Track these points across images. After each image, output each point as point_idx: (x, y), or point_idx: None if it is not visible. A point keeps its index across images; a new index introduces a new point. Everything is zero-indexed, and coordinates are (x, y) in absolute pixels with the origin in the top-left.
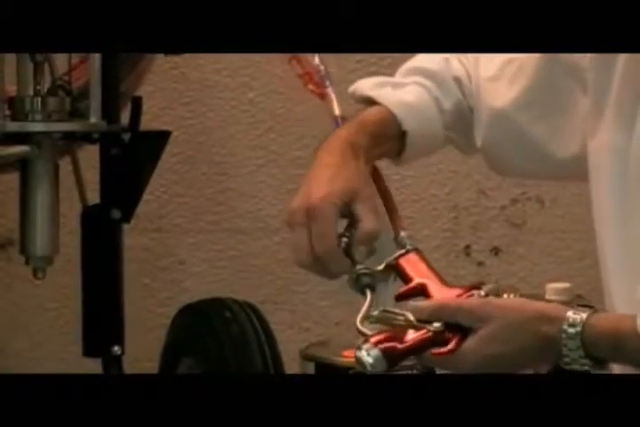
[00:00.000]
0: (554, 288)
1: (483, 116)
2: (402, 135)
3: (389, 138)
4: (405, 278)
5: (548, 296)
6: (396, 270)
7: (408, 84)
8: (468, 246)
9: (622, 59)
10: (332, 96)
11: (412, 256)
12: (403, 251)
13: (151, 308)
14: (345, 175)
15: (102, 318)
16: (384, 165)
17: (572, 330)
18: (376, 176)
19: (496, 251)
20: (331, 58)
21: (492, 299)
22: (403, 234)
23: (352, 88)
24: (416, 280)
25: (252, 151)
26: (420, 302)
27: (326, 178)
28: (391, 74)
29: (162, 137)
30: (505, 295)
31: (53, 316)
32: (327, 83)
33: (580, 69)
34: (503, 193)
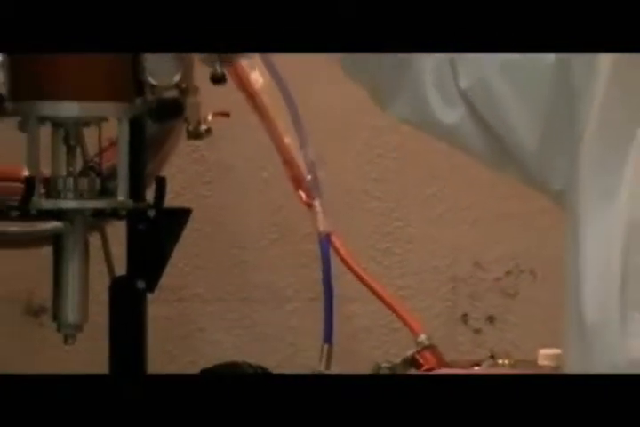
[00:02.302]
0: (545, 354)
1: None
2: None
3: None
4: (419, 367)
5: (540, 362)
6: (413, 362)
7: None
8: (465, 315)
9: None
10: (319, 209)
11: (428, 352)
12: (419, 348)
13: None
14: None
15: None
16: (388, 239)
17: None
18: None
19: (491, 319)
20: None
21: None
22: (422, 336)
23: None
24: (425, 367)
25: (265, 227)
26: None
27: None
28: None
29: (184, 214)
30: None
31: None
32: (315, 194)
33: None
34: (498, 266)
